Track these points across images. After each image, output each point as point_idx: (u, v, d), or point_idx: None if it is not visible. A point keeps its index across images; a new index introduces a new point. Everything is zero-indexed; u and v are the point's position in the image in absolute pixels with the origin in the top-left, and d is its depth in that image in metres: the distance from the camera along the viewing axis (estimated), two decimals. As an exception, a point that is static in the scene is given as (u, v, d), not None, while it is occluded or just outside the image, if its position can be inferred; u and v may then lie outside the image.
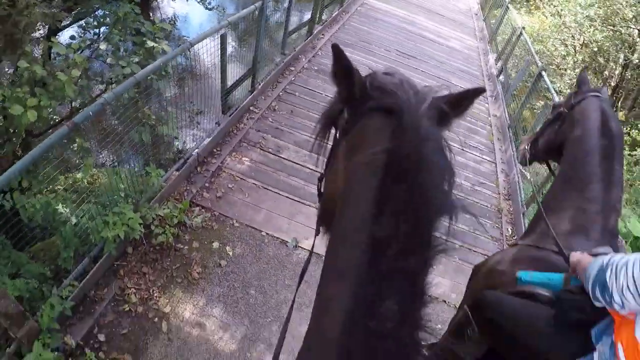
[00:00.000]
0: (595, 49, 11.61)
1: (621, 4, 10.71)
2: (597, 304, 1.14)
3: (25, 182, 3.01)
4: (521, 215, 4.75)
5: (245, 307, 3.10)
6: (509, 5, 10.04)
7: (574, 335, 1.18)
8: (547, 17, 13.43)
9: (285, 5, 6.10)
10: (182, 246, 3.34)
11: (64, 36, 6.21)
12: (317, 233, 0.99)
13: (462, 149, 5.85)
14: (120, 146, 3.20)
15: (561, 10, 12.26)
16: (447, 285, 3.65)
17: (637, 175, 8.38)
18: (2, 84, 4.30)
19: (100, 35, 4.99)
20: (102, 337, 2.73)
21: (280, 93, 5.58)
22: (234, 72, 4.87)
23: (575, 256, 1.24)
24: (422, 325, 0.65)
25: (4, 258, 2.76)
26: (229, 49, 4.46)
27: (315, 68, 6.48)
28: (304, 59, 6.56)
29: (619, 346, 1.08)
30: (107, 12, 4.68)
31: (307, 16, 7.48)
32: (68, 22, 6.41)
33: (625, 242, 4.00)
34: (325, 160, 0.96)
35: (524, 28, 8.14)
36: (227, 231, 3.59)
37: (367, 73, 0.83)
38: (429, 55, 8.68)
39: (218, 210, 3.72)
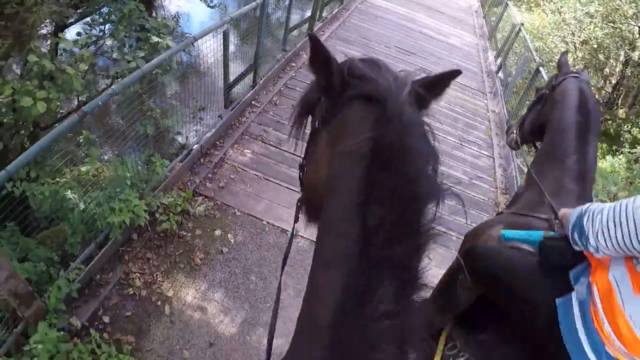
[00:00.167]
0: (595, 46, 11.62)
1: (621, 1, 10.73)
2: (575, 247, 1.21)
3: (33, 173, 3.11)
4: (517, 208, 4.82)
5: (245, 293, 3.20)
6: (509, 2, 10.09)
7: (557, 278, 1.26)
8: (547, 14, 13.46)
9: (286, 2, 6.19)
10: (185, 233, 3.45)
11: (71, 33, 6.32)
12: (296, 220, 1.01)
13: (461, 144, 5.93)
14: (124, 139, 3.30)
15: (561, 7, 12.26)
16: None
17: (637, 173, 8.39)
18: (11, 79, 4.41)
19: (106, 32, 5.10)
20: (106, 319, 2.83)
21: (282, 88, 5.68)
22: (236, 67, 4.96)
23: (563, 210, 1.34)
24: (416, 309, 0.65)
25: (13, 244, 2.86)
26: (231, 46, 4.56)
27: (316, 64, 6.56)
28: (304, 55, 6.64)
29: (594, 287, 1.15)
30: (112, 10, 4.79)
31: (308, 13, 7.59)
32: (74, 20, 6.52)
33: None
34: (305, 147, 0.95)
35: (522, 24, 8.18)
36: (229, 220, 3.69)
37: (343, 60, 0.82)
38: (429, 52, 8.75)
39: (220, 200, 3.82)
